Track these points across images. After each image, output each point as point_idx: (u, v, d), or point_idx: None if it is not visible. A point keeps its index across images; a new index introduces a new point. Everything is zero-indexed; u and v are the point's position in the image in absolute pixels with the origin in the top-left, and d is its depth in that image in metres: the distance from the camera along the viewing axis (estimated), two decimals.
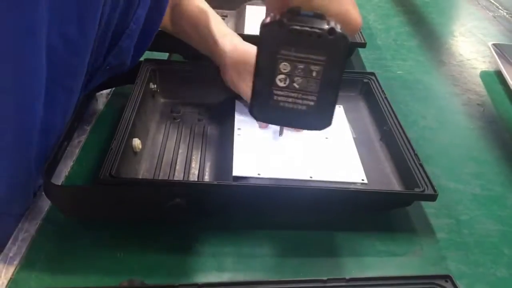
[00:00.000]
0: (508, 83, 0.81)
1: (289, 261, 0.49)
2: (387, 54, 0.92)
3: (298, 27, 0.36)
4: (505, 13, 1.16)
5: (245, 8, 0.92)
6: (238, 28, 0.87)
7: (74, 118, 0.58)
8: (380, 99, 0.68)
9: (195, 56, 0.74)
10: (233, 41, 0.65)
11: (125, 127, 0.56)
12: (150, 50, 0.73)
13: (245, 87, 0.64)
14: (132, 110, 0.59)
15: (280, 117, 0.40)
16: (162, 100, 0.69)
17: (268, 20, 0.37)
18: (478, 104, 0.79)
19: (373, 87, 0.71)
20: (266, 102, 0.39)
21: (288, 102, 0.39)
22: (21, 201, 0.52)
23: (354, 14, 0.39)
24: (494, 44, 0.91)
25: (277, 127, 0.63)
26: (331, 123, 0.40)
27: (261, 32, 0.37)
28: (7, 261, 0.46)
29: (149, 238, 0.50)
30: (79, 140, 0.62)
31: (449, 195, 0.59)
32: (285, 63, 0.37)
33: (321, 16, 0.37)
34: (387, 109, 0.66)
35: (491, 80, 0.87)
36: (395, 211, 0.56)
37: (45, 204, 0.53)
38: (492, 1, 1.22)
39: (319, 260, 0.50)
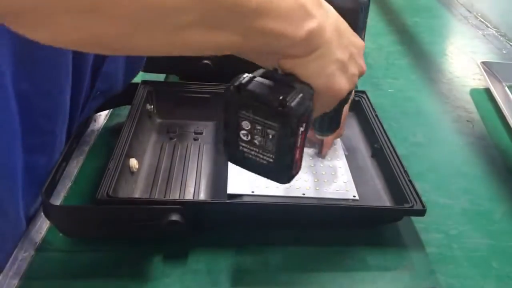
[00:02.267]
0: (497, 100, 0.83)
1: (282, 276, 0.50)
2: (379, 72, 0.94)
3: (252, 94, 0.38)
4: (494, 32, 1.19)
5: None
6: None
7: (72, 139, 0.60)
8: (371, 117, 0.70)
9: (190, 76, 0.77)
10: None
11: (122, 147, 0.58)
12: (147, 71, 0.75)
13: None
14: (129, 130, 0.61)
15: (246, 164, 0.42)
16: (158, 120, 0.71)
17: (232, 82, 0.39)
18: (467, 121, 0.81)
19: (364, 105, 0.72)
20: (234, 150, 0.41)
21: (251, 155, 0.41)
22: (9, 239, 0.52)
23: (336, 84, 0.41)
24: (483, 62, 0.93)
25: None
26: (289, 181, 0.42)
27: (224, 91, 0.39)
28: (7, 281, 0.47)
29: (146, 256, 0.51)
30: (78, 161, 0.64)
31: (439, 210, 0.60)
32: (245, 122, 0.39)
33: (289, 80, 0.39)
34: (378, 126, 0.67)
35: (481, 97, 0.89)
36: (385, 226, 0.57)
37: (44, 223, 0.54)
38: (482, 20, 1.25)
39: (311, 275, 0.51)
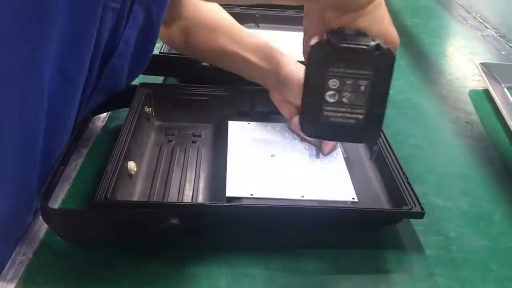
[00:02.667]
0: (496, 102, 0.83)
1: (281, 280, 0.50)
2: None
3: (346, 45, 0.38)
4: (493, 32, 1.19)
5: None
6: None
7: (71, 142, 0.60)
8: None
9: (189, 79, 0.77)
10: (277, 61, 0.67)
11: (120, 150, 0.57)
12: (146, 74, 0.75)
13: (285, 108, 0.67)
14: (128, 133, 0.61)
15: (329, 131, 0.41)
16: (157, 123, 0.71)
17: (315, 40, 0.38)
18: (466, 122, 0.81)
19: None
20: (316, 118, 0.41)
21: (338, 117, 0.40)
22: (19, 225, 0.53)
23: (393, 34, 0.43)
24: (482, 63, 0.93)
25: (271, 150, 0.64)
26: (379, 135, 0.41)
27: (309, 52, 0.38)
28: (5, 284, 0.47)
29: (144, 260, 0.51)
30: (76, 164, 0.64)
31: (438, 212, 0.60)
32: (334, 80, 0.39)
33: (364, 34, 0.39)
34: None
35: (480, 99, 0.89)
36: (384, 228, 0.57)
37: (43, 227, 0.54)
38: (481, 21, 1.25)
39: (310, 278, 0.51)
